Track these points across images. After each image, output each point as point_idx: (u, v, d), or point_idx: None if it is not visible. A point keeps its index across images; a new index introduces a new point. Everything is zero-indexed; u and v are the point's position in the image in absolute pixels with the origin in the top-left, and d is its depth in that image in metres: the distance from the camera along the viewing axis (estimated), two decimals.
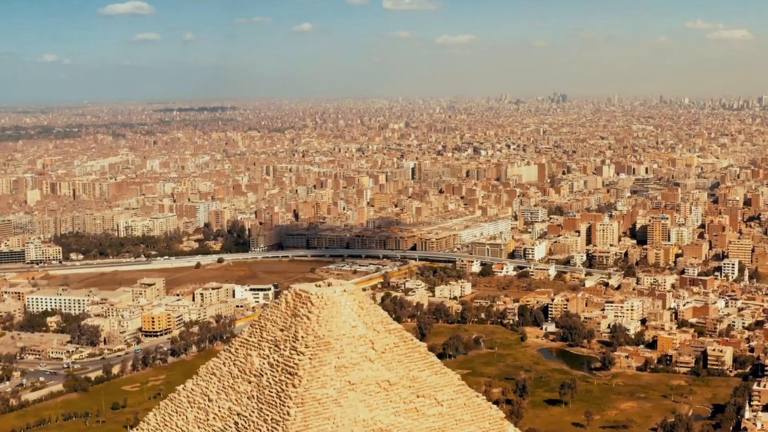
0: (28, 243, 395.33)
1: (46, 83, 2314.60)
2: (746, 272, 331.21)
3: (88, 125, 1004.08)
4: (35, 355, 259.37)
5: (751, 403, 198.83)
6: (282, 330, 52.76)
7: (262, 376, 51.38)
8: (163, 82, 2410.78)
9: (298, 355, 49.88)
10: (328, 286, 54.17)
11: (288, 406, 47.96)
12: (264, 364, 52.13)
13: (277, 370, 50.57)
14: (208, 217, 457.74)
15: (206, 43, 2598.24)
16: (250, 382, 52.06)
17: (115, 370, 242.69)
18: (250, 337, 54.52)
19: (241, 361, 53.91)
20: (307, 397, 48.19)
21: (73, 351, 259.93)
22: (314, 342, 50.12)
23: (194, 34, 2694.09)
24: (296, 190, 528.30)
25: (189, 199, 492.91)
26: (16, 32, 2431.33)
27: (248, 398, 51.78)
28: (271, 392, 50.00)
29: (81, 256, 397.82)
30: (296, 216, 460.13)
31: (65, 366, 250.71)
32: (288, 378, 49.32)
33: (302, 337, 50.59)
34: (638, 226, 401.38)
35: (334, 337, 50.60)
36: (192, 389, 55.79)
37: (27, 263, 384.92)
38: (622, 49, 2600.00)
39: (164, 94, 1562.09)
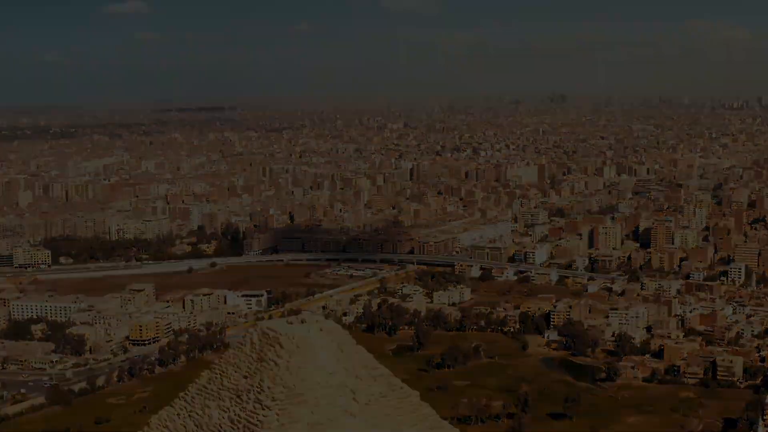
0: (16, 247, 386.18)
1: (44, 83, 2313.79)
2: (753, 277, 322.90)
3: (85, 125, 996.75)
4: (18, 365, 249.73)
5: (764, 417, 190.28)
6: (246, 377, 43.99)
7: None
8: (162, 82, 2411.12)
9: (264, 409, 41.37)
10: (302, 322, 45.75)
11: None
12: (224, 418, 43.58)
13: (239, 427, 42.16)
14: (201, 220, 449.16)
15: (206, 43, 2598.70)
16: None
17: (100, 381, 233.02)
18: (209, 384, 45.69)
19: (197, 414, 45.24)
20: None
21: (57, 361, 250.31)
22: (283, 394, 41.46)
23: (194, 34, 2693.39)
24: (292, 192, 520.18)
25: (183, 201, 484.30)
26: (16, 32, 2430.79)
27: None
28: None
29: (71, 260, 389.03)
30: (292, 218, 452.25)
31: (52, 378, 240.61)
32: None
33: (269, 387, 42.01)
34: (641, 228, 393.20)
35: (308, 388, 41.90)
36: None
37: (15, 268, 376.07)
38: (621, 49, 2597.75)
39: (163, 94, 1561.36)
